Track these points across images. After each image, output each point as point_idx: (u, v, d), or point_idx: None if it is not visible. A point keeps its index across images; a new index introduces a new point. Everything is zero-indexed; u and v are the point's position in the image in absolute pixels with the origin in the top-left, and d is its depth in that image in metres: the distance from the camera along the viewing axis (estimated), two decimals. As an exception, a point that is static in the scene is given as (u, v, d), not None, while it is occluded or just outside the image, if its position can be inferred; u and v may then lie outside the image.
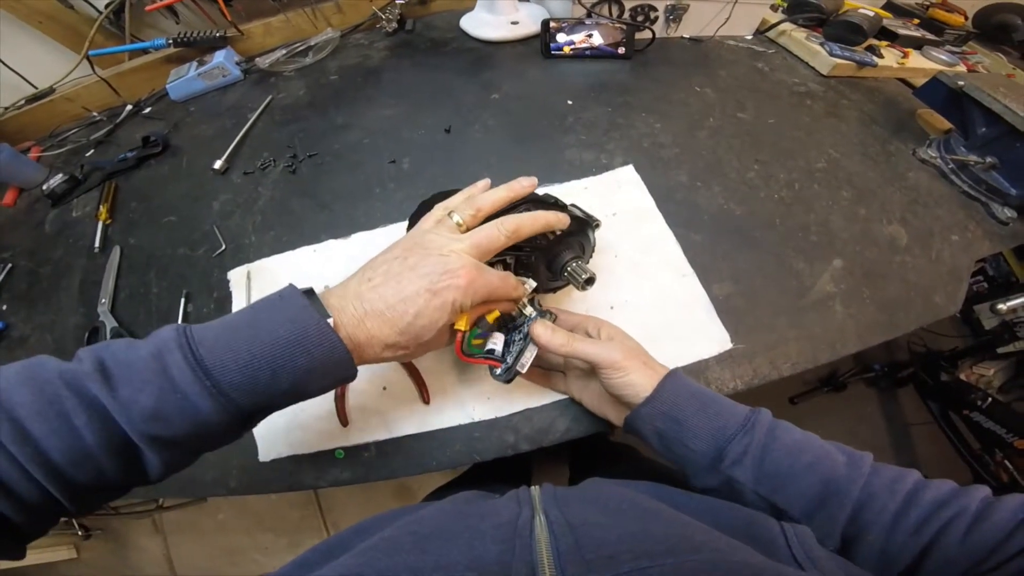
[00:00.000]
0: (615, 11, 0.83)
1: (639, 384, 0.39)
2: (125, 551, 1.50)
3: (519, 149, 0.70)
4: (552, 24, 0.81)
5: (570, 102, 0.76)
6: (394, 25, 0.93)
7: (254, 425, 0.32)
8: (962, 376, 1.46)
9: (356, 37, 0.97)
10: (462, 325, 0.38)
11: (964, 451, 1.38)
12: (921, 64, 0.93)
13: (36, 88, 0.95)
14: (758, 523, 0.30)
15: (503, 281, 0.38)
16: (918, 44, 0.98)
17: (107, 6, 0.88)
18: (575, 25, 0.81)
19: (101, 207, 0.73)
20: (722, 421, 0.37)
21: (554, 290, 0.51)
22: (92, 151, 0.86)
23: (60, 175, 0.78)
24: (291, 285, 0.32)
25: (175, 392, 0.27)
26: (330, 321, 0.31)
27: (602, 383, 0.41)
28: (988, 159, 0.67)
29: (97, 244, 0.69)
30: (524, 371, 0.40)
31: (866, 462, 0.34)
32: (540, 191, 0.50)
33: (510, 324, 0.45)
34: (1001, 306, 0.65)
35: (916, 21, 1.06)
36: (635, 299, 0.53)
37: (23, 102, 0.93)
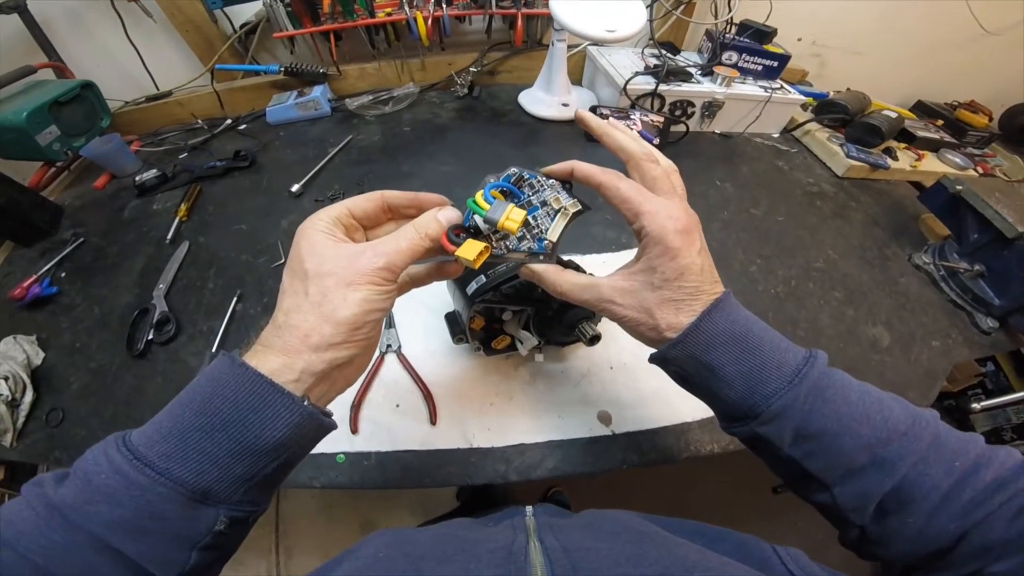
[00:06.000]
0: (657, 104, 0.93)
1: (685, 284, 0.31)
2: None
3: (554, 219, 0.79)
4: (599, 110, 0.91)
5: (603, 183, 0.86)
6: (465, 90, 1.05)
7: (241, 514, 0.27)
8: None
9: (431, 95, 1.09)
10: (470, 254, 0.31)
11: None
12: (934, 167, 0.94)
13: (158, 89, 1.03)
14: (749, 545, 0.29)
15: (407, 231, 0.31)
16: (935, 147, 0.99)
17: (242, 26, 0.98)
18: (619, 113, 0.90)
19: (182, 205, 0.78)
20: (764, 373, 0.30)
21: (563, 344, 0.59)
22: (186, 154, 0.92)
23: (153, 170, 0.84)
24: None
25: (115, 474, 0.24)
26: (238, 353, 0.27)
27: (643, 268, 0.33)
28: (976, 267, 0.67)
29: (169, 236, 0.73)
30: (556, 239, 0.34)
31: (928, 430, 0.29)
32: (564, 258, 0.57)
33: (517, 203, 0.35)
34: (975, 405, 0.70)
35: (940, 122, 1.07)
36: (632, 363, 0.61)
37: (143, 100, 1.01)
